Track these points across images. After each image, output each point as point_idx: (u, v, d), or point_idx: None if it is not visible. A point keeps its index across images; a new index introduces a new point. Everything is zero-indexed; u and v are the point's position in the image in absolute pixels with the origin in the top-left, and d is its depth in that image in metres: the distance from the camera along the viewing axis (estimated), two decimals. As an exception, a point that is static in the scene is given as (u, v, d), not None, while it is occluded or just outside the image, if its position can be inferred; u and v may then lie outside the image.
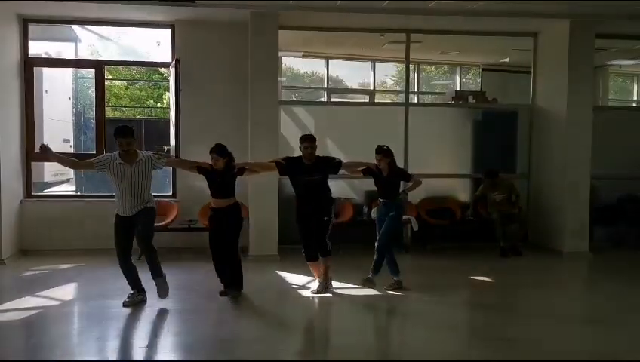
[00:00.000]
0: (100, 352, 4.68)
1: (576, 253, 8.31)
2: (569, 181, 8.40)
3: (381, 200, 6.50)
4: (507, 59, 11.35)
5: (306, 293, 6.28)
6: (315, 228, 6.14)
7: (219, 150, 5.87)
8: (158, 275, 5.69)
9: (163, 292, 5.68)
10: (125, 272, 5.69)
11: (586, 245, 8.45)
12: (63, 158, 5.85)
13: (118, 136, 5.50)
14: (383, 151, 6.37)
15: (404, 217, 8.52)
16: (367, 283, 6.36)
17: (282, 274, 7.11)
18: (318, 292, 6.18)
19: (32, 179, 8.47)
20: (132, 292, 5.70)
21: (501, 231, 8.37)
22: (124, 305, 5.59)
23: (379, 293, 6.32)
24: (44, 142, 5.74)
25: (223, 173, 5.87)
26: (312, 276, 6.49)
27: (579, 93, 8.37)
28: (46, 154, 5.55)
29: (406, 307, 6.14)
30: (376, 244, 6.39)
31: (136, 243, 5.74)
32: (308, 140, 6.13)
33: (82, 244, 8.06)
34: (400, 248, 6.87)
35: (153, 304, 5.64)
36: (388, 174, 6.39)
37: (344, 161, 6.43)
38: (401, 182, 6.61)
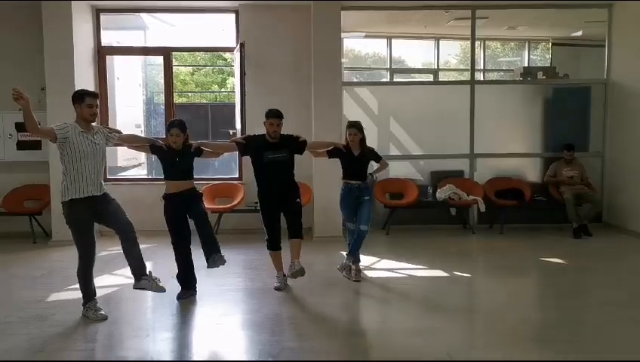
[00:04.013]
0: (173, 327, 4.87)
1: (655, 235, 7.95)
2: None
3: (352, 182, 5.97)
4: (579, 33, 10.84)
5: (370, 274, 6.28)
6: (290, 213, 5.67)
7: (181, 125, 5.20)
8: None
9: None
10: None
11: (665, 226, 8.06)
12: (32, 118, 4.40)
13: (88, 97, 4.65)
14: (357, 126, 5.88)
15: (471, 197, 8.40)
16: (343, 269, 6.09)
17: (348, 254, 7.13)
18: (293, 275, 5.61)
19: (107, 163, 8.82)
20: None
21: (574, 212, 8.08)
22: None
23: (447, 275, 6.28)
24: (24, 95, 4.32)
25: (181, 151, 5.24)
26: (378, 257, 6.49)
27: (659, 66, 7.94)
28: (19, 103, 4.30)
29: (480, 288, 6.07)
30: (360, 228, 5.95)
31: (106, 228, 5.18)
32: (276, 117, 5.49)
33: (153, 225, 8.31)
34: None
35: (224, 283, 5.80)
36: (360, 153, 5.93)
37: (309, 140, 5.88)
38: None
